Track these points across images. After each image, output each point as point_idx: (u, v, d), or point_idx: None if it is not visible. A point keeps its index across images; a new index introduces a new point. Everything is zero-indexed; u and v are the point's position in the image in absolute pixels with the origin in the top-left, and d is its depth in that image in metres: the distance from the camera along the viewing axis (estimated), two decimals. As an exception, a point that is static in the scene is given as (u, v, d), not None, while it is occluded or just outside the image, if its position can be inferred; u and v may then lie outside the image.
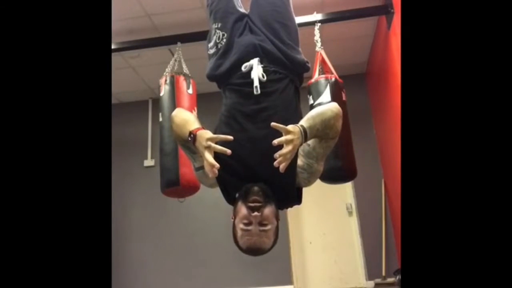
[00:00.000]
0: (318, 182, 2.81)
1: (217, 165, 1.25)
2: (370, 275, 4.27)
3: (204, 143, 1.28)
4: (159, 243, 4.67)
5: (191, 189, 2.86)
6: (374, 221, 4.41)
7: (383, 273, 4.17)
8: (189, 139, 1.34)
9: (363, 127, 4.59)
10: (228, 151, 1.26)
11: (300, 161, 1.36)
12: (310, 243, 4.64)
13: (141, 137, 5.03)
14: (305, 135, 1.27)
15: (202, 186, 2.90)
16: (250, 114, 1.42)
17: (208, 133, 1.32)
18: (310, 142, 1.35)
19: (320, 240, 4.61)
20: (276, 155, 1.22)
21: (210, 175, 1.29)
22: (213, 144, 1.28)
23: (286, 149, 1.23)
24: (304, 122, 1.31)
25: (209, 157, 1.27)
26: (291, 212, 4.59)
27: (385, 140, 4.29)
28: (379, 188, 4.50)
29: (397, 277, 3.90)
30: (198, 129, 1.34)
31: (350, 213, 4.63)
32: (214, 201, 4.54)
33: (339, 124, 1.34)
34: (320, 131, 1.31)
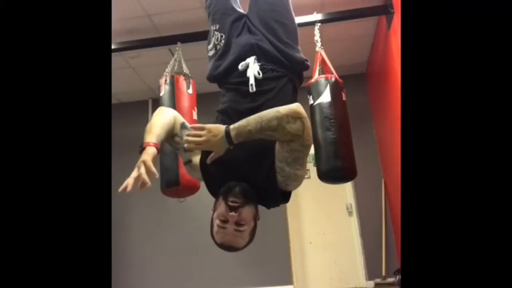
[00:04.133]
0: (318, 182, 2.85)
1: (129, 186, 1.18)
2: (370, 275, 4.28)
3: (138, 162, 1.23)
4: (159, 243, 4.67)
5: (191, 189, 2.86)
6: (374, 221, 4.41)
7: (383, 273, 4.18)
8: (139, 149, 1.31)
9: (363, 127, 4.60)
10: (147, 169, 1.22)
11: (275, 163, 1.33)
12: (310, 243, 4.64)
13: (141, 137, 5.01)
14: (227, 133, 1.24)
15: (202, 186, 2.91)
16: (244, 112, 1.39)
17: (147, 155, 1.26)
18: (276, 145, 1.32)
19: (320, 240, 4.61)
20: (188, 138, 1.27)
21: (194, 160, 1.39)
22: (142, 168, 1.21)
23: (194, 138, 1.25)
24: (236, 123, 1.27)
25: (135, 173, 1.21)
26: (291, 212, 4.60)
27: (385, 140, 4.29)
28: (379, 188, 4.51)
29: (397, 277, 3.90)
30: (148, 143, 1.32)
31: (350, 213, 4.64)
32: (214, 201, 4.55)
33: (291, 126, 1.23)
34: (255, 132, 1.25)
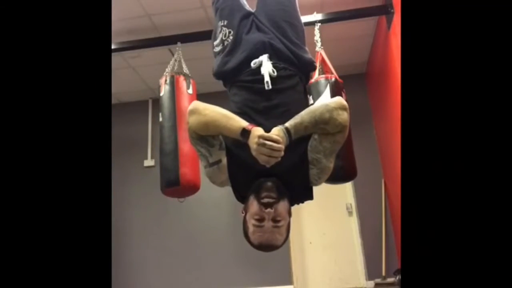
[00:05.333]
0: (318, 182, 2.84)
1: (281, 149, 1.23)
2: (370, 275, 4.27)
3: (256, 140, 1.24)
4: (159, 243, 4.67)
5: (191, 189, 2.87)
6: (374, 221, 4.41)
7: (383, 273, 4.17)
8: (242, 136, 1.29)
9: (363, 127, 4.59)
10: (272, 136, 1.25)
11: (308, 157, 1.35)
12: (310, 243, 4.64)
13: (141, 137, 5.03)
14: (288, 134, 1.27)
15: (202, 186, 2.92)
16: (262, 111, 1.40)
17: (260, 130, 1.27)
18: (316, 136, 1.34)
19: (320, 240, 4.61)
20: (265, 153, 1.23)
21: (223, 161, 1.33)
22: (266, 142, 1.24)
23: (276, 150, 1.23)
24: (289, 121, 1.30)
25: (265, 149, 1.23)
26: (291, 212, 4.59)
27: (385, 140, 4.29)
28: (379, 188, 4.50)
29: (397, 277, 3.90)
30: (250, 125, 1.30)
31: (350, 213, 4.63)
32: (214, 201, 4.55)
33: (341, 117, 1.30)
34: (311, 127, 1.30)
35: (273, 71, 1.44)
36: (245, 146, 1.31)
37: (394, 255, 4.23)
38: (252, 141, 1.25)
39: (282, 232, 1.28)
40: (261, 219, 1.25)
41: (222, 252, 4.39)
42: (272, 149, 1.23)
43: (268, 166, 1.28)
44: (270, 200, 1.25)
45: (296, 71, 1.51)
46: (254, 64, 1.46)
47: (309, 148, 1.36)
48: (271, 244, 1.28)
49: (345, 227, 4.60)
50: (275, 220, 1.25)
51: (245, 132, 1.27)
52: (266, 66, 1.44)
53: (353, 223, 4.58)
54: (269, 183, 1.27)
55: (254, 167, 1.32)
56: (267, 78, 1.42)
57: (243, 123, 1.30)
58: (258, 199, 1.26)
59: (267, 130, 1.33)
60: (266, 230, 1.25)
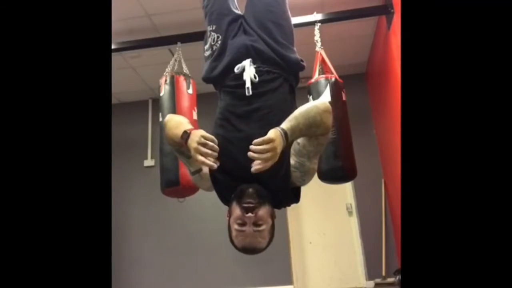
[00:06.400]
0: (318, 182, 2.85)
1: (210, 163, 1.27)
2: (370, 275, 4.27)
3: (197, 139, 1.29)
4: (159, 243, 4.68)
5: (191, 189, 2.86)
6: (374, 221, 4.41)
7: (383, 273, 4.18)
8: (182, 138, 1.34)
9: (363, 127, 4.59)
10: (213, 137, 1.31)
11: (292, 160, 1.36)
12: (310, 243, 4.64)
13: (141, 137, 5.03)
14: (285, 136, 1.26)
15: (202, 186, 2.92)
16: (242, 115, 1.41)
17: (201, 131, 1.33)
18: (299, 140, 1.34)
19: (320, 240, 4.61)
20: (253, 156, 1.23)
21: (204, 169, 1.31)
22: (203, 140, 1.29)
23: (265, 155, 1.22)
24: (284, 123, 1.29)
25: (201, 151, 1.27)
26: (291, 212, 4.60)
27: (385, 140, 4.29)
28: (379, 188, 4.51)
29: (397, 277, 3.90)
30: (192, 129, 1.35)
31: (350, 213, 4.64)
32: (214, 201, 4.51)
33: (328, 120, 1.31)
34: (305, 130, 1.30)
35: (255, 77, 1.44)
36: (228, 153, 1.35)
37: (394, 255, 4.23)
38: (193, 140, 1.30)
39: (264, 235, 1.29)
40: (242, 224, 1.27)
41: (222, 252, 4.39)
42: (212, 150, 1.28)
43: (203, 167, 1.33)
44: (251, 205, 1.26)
45: (281, 72, 1.50)
46: (237, 69, 1.47)
47: (292, 152, 1.36)
48: (254, 247, 1.29)
49: (345, 227, 4.61)
50: (256, 224, 1.27)
51: (185, 134, 1.33)
52: (248, 72, 1.44)
53: (353, 223, 4.58)
54: (251, 189, 1.29)
55: (237, 173, 1.34)
56: (248, 84, 1.42)
57: (188, 127, 1.37)
58: (240, 204, 1.28)
59: (247, 135, 1.34)
60: (248, 234, 1.27)
